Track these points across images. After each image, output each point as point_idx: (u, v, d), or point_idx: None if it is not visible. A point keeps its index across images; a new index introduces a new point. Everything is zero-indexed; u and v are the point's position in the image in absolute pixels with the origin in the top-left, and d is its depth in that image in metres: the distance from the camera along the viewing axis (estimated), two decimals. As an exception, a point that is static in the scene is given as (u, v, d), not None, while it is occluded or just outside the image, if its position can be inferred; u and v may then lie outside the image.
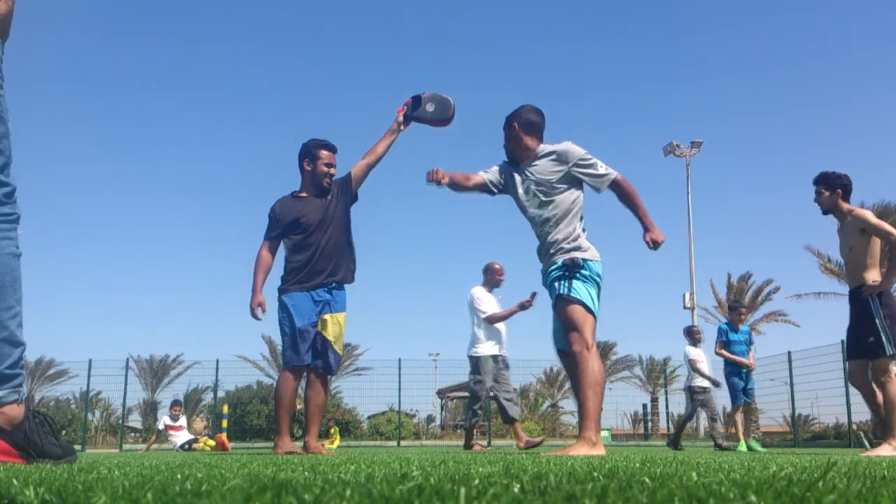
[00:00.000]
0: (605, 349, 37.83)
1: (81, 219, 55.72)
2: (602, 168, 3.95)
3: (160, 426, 13.15)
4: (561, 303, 3.85)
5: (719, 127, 56.08)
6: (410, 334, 53.06)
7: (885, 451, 4.74)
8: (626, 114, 60.78)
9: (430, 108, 4.61)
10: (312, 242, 4.63)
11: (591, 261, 3.90)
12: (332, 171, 4.76)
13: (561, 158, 3.96)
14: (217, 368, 19.22)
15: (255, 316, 4.61)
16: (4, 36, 2.36)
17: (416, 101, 4.65)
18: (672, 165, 41.21)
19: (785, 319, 28.40)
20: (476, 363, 7.39)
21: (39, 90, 49.98)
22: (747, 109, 57.63)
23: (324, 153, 4.74)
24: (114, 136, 56.11)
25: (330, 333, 4.63)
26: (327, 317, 4.63)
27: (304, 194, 4.78)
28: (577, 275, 3.83)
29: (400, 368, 18.79)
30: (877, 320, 4.91)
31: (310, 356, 4.58)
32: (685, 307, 26.62)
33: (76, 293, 55.94)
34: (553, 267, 3.92)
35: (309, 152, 4.76)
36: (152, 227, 57.25)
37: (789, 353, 16.81)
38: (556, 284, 3.88)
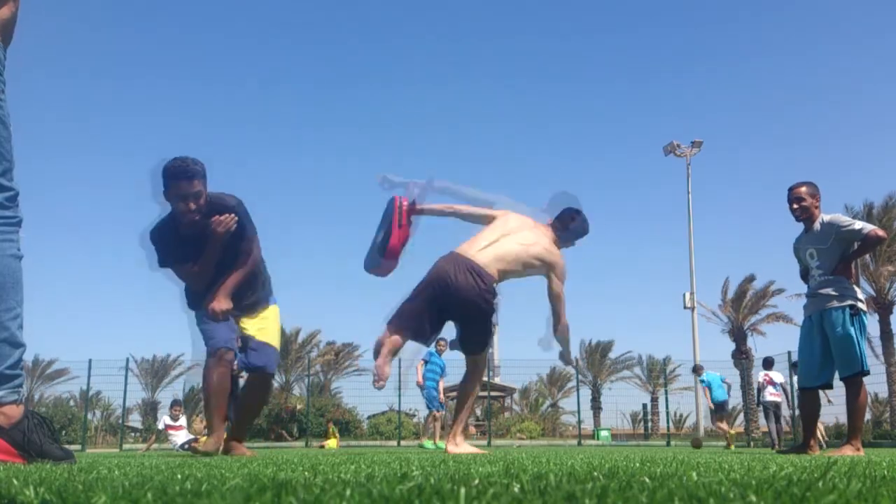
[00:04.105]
0: (604, 348, 37.80)
1: (82, 218, 55.75)
2: None
3: (160, 426, 13.15)
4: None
5: (719, 127, 56.09)
6: (410, 334, 52.88)
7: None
8: (626, 113, 60.80)
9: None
10: None
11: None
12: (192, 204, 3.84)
13: None
14: (217, 368, 19.19)
15: None
16: (7, 40, 2.33)
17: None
18: (672, 165, 41.17)
19: (787, 320, 28.37)
20: None
21: (40, 88, 49.96)
22: (748, 109, 57.66)
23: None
24: (114, 136, 56.12)
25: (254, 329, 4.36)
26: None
27: None
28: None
29: (400, 368, 18.77)
30: None
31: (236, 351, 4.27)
32: (685, 307, 26.62)
33: (76, 293, 55.98)
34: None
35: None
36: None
37: (789, 353, 16.79)
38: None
